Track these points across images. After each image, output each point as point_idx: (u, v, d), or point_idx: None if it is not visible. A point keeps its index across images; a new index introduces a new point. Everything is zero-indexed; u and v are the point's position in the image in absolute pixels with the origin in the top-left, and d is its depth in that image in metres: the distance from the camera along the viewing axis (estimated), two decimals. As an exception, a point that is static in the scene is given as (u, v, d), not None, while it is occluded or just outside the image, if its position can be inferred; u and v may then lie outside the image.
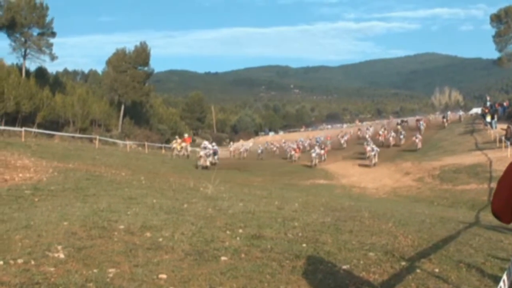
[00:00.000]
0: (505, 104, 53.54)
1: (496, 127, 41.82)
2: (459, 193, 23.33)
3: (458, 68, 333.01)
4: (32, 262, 5.07)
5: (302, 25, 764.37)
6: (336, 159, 42.34)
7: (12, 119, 54.84)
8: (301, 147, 53.95)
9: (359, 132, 67.43)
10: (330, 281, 5.11)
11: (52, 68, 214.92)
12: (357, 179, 31.27)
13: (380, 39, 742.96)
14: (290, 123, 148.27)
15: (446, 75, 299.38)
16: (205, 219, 8.19)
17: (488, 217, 12.98)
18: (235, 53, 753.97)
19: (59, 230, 6.53)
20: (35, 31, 66.33)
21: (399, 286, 5.16)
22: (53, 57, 67.27)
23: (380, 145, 44.92)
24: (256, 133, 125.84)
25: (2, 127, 41.73)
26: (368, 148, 36.89)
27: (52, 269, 4.92)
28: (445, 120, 59.69)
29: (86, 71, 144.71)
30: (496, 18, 68.35)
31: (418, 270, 5.69)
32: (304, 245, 6.70)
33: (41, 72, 71.01)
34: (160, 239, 6.49)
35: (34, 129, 44.06)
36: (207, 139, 58.53)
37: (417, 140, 41.29)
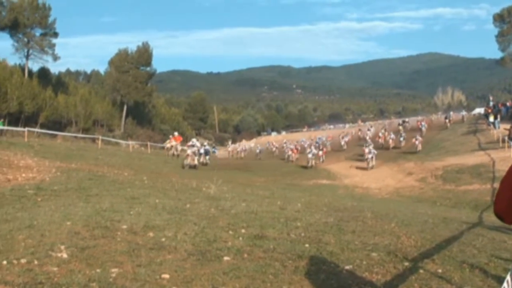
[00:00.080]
0: (508, 104, 53.34)
1: (499, 127, 41.72)
2: (462, 194, 23.30)
3: (461, 68, 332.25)
4: (35, 262, 5.08)
5: (305, 25, 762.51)
6: (337, 160, 42.20)
7: (15, 119, 55.04)
8: (299, 148, 52.94)
9: (359, 133, 67.23)
10: (333, 281, 5.10)
11: (55, 68, 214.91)
12: (360, 179, 31.26)
13: (383, 39, 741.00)
14: (292, 123, 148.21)
15: (448, 75, 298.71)
16: (207, 219, 8.19)
17: (491, 218, 12.95)
18: (238, 53, 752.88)
19: (62, 230, 6.54)
20: (37, 32, 66.64)
21: (402, 286, 5.16)
22: (55, 58, 67.54)
23: (380, 147, 44.81)
24: (259, 133, 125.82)
25: (5, 127, 41.76)
26: (366, 150, 36.48)
27: (55, 268, 4.93)
28: (447, 120, 58.29)
29: (88, 71, 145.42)
30: (499, 18, 68.30)
31: (421, 271, 5.68)
32: (306, 245, 6.70)
33: (43, 73, 71.21)
34: (163, 239, 6.49)
35: (37, 129, 44.18)
36: (209, 139, 58.65)
37: (417, 142, 40.70)
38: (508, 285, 2.59)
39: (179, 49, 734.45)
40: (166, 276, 4.97)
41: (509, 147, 31.19)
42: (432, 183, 27.35)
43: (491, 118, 45.77)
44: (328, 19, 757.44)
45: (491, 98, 56.62)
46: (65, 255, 5.39)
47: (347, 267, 5.66)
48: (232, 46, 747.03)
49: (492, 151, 31.84)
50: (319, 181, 30.71)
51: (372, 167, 34.96)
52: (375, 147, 39.98)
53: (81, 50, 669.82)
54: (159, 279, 4.88)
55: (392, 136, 47.26)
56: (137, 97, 78.27)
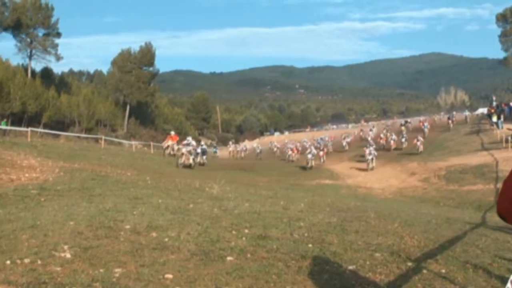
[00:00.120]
0: (511, 104, 53.26)
1: (502, 127, 41.67)
2: (465, 194, 23.25)
3: (464, 68, 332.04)
4: (39, 262, 5.08)
5: (307, 25, 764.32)
6: (339, 161, 42.07)
7: (18, 119, 55.16)
8: (299, 148, 51.89)
9: (361, 133, 67.05)
10: (336, 281, 5.10)
11: (58, 68, 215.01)
12: (363, 179, 31.22)
13: (386, 39, 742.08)
14: (295, 123, 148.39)
15: (451, 75, 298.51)
16: (211, 219, 8.19)
17: (494, 218, 12.92)
18: (240, 53, 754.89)
19: (65, 230, 6.54)
20: (40, 32, 66.82)
21: (405, 286, 5.15)
22: (58, 58, 67.73)
23: (381, 148, 44.66)
24: (262, 133, 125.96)
25: (9, 127, 41.83)
26: (367, 152, 36.02)
27: (58, 268, 4.93)
28: (450, 121, 57.62)
29: (91, 71, 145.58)
30: (502, 18, 68.24)
31: (424, 271, 5.67)
32: (310, 245, 6.69)
33: (46, 73, 71.41)
34: (166, 239, 6.49)
35: (40, 129, 44.25)
36: (212, 139, 58.42)
37: (418, 143, 40.28)
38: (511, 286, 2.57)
39: (182, 49, 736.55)
40: (169, 276, 4.97)
41: (512, 147, 31.16)
42: (435, 183, 27.29)
43: (494, 118, 45.67)
44: (331, 19, 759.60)
45: (494, 98, 56.31)
46: (68, 255, 5.40)
47: (350, 267, 5.66)
48: (235, 46, 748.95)
49: (495, 151, 31.76)
50: (322, 181, 30.67)
51: (372, 169, 34.61)
52: (377, 148, 39.86)
53: (84, 50, 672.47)
54: (162, 279, 4.88)
55: (394, 137, 46.83)
56: (140, 97, 78.33)
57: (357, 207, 12.39)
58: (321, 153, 42.48)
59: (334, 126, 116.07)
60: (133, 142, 52.35)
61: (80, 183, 12.11)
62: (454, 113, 67.28)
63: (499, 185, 21.09)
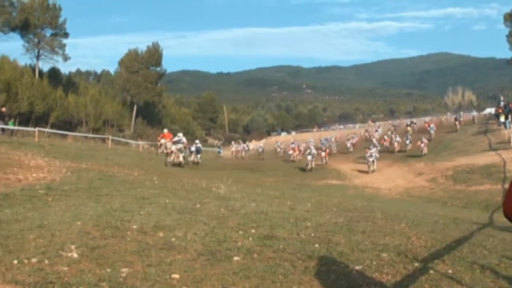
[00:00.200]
0: (519, 104, 53.01)
1: (510, 127, 41.49)
2: (473, 194, 23.17)
3: (471, 68, 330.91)
4: (46, 262, 5.10)
5: (314, 25, 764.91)
6: (344, 162, 41.86)
7: (25, 119, 55.41)
8: (301, 148, 50.84)
9: (366, 134, 66.72)
10: (343, 281, 5.09)
11: (65, 68, 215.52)
12: (370, 179, 31.19)
13: (393, 39, 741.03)
14: (302, 123, 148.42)
15: (459, 75, 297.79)
16: (217, 219, 8.19)
17: (502, 218, 12.86)
18: (247, 53, 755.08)
19: (72, 230, 6.56)
20: (48, 32, 67.10)
21: (412, 287, 5.14)
22: (66, 58, 68.01)
23: (385, 150, 44.38)
24: (269, 133, 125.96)
25: (16, 127, 41.98)
26: (368, 154, 35.21)
27: (65, 268, 4.95)
28: (457, 122, 56.55)
29: (98, 71, 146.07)
30: (510, 17, 67.91)
31: (431, 271, 5.66)
32: (316, 245, 6.68)
33: (54, 73, 71.70)
34: (173, 239, 6.50)
35: (48, 129, 44.43)
36: (219, 139, 58.26)
37: (422, 145, 39.46)
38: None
39: (189, 49, 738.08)
40: (176, 276, 4.97)
41: (520, 147, 31.02)
42: (442, 184, 27.21)
43: (502, 118, 45.43)
44: (338, 19, 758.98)
45: (501, 98, 55.96)
46: (75, 255, 5.41)
47: (357, 268, 5.65)
48: (242, 46, 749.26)
49: (503, 151, 31.61)
50: (329, 181, 30.66)
51: (373, 171, 34.05)
52: (380, 150, 39.65)
53: (91, 50, 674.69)
54: (169, 279, 4.89)
55: (398, 139, 46.37)
56: (147, 97, 78.52)
57: (364, 207, 12.36)
58: (323, 153, 41.65)
59: (341, 126, 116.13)
60: (140, 142, 52.44)
61: (87, 183, 12.13)
62: (461, 113, 66.78)
63: (507, 185, 21.03)
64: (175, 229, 7.07)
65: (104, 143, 46.62)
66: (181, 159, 30.37)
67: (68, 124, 64.45)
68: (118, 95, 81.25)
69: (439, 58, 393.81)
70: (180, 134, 32.83)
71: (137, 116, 79.68)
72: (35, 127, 39.02)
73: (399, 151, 44.17)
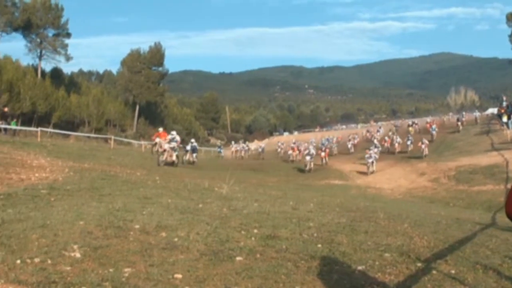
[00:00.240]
0: (521, 104, 52.92)
1: (512, 128, 41.46)
2: (475, 194, 23.16)
3: (473, 68, 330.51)
4: (49, 261, 5.10)
5: (317, 25, 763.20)
6: (344, 163, 41.68)
7: (28, 119, 55.51)
8: (301, 148, 49.57)
9: (367, 134, 66.47)
10: (346, 281, 5.09)
11: (67, 68, 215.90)
12: (372, 179, 31.18)
13: (395, 39, 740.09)
14: (304, 123, 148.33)
15: (461, 75, 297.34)
16: (220, 219, 8.18)
17: (504, 219, 12.80)
18: (250, 53, 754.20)
19: (75, 230, 6.56)
20: (50, 32, 67.20)
21: (415, 287, 5.13)
22: (68, 58, 68.07)
23: (386, 151, 44.21)
24: (271, 134, 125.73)
25: (19, 127, 42.05)
26: (367, 155, 34.83)
27: (68, 268, 4.95)
28: (459, 123, 55.98)
29: (101, 71, 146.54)
30: (513, 18, 67.82)
31: (434, 272, 5.65)
32: (319, 245, 6.68)
33: (56, 73, 71.77)
34: (175, 239, 6.49)
35: (50, 129, 44.57)
36: (222, 139, 58.12)
37: (423, 146, 38.94)
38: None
39: (191, 49, 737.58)
40: (179, 276, 4.97)
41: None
42: (445, 184, 27.20)
43: (505, 118, 45.41)
44: (340, 19, 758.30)
45: (504, 98, 55.90)
46: (78, 255, 5.41)
47: (359, 268, 5.64)
48: (244, 46, 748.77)
49: (505, 151, 31.60)
50: (332, 181, 30.66)
51: (372, 172, 33.61)
52: (381, 151, 39.51)
53: (94, 50, 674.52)
54: (171, 278, 4.89)
55: (399, 140, 45.92)
56: (149, 97, 78.59)
57: (366, 208, 12.35)
58: (323, 154, 41.07)
59: (344, 126, 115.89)
60: (143, 142, 52.49)
61: (90, 183, 12.13)
62: (464, 113, 66.51)
63: (509, 186, 21.02)
64: (177, 229, 7.07)
65: (106, 143, 46.70)
66: (174, 158, 29.91)
67: (70, 124, 64.56)
68: (120, 95, 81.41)
69: (441, 58, 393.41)
70: (174, 132, 32.39)
71: (139, 116, 79.75)
72: (37, 127, 39.06)
73: (400, 152, 43.84)
